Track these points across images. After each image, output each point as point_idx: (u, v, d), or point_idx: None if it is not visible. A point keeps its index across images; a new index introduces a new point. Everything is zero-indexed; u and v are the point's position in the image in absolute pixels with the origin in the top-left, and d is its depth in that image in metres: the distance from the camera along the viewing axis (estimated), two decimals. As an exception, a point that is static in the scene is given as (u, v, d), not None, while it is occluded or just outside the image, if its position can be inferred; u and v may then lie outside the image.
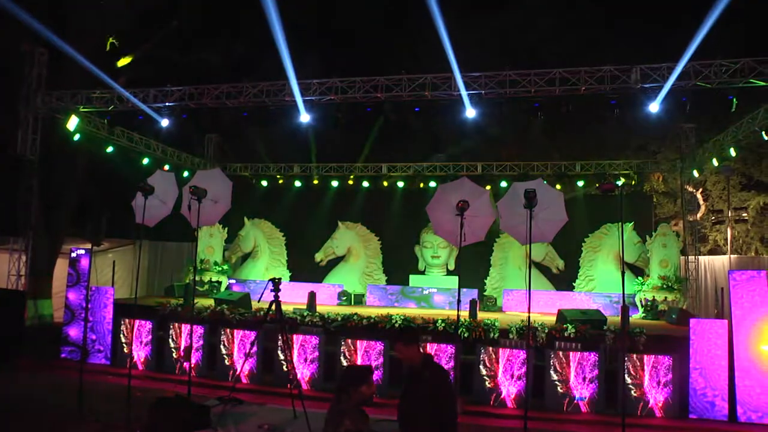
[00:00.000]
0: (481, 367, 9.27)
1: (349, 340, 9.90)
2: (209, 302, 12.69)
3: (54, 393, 9.21)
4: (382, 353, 9.57)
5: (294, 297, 15.03)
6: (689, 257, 16.56)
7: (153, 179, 8.69)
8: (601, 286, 16.10)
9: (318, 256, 18.22)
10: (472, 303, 12.03)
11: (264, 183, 19.09)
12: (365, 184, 18.52)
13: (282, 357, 9.97)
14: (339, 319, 11.06)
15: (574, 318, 10.51)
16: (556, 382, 9.02)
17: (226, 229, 17.80)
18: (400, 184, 18.29)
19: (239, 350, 10.33)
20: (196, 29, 19.15)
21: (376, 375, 9.29)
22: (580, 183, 17.19)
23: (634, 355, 8.97)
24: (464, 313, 11.40)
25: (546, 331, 10.05)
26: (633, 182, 17.52)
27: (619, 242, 15.45)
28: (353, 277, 17.77)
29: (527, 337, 9.00)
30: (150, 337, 11.01)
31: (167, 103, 13.41)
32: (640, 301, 14.66)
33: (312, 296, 12.70)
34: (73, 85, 13.90)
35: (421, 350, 5.37)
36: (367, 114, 13.11)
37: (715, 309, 15.40)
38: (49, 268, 15.36)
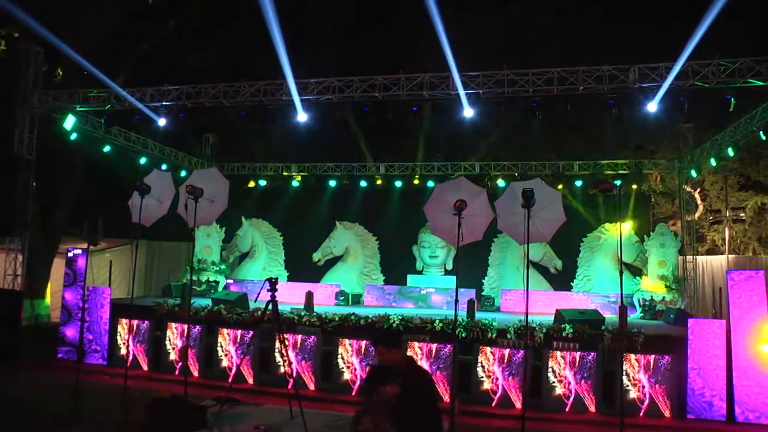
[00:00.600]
0: (478, 367, 9.26)
1: (346, 340, 9.88)
2: (206, 302, 12.66)
3: (51, 393, 9.18)
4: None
5: (292, 297, 14.98)
6: (687, 257, 16.55)
7: (150, 179, 8.67)
8: (599, 286, 16.08)
9: (316, 256, 18.18)
10: (470, 303, 12.00)
11: (262, 182, 19.05)
12: (363, 183, 18.47)
13: (279, 357, 9.95)
14: (336, 319, 11.03)
15: (572, 318, 10.50)
16: (554, 383, 9.01)
17: (224, 228, 17.76)
18: (398, 183, 18.26)
19: (236, 350, 10.30)
20: (193, 28, 19.08)
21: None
22: (578, 183, 17.17)
23: (632, 355, 8.96)
24: (462, 313, 11.39)
25: (544, 331, 10.04)
26: (634, 186, 17.49)
27: (617, 242, 15.44)
28: (351, 277, 17.74)
29: (525, 337, 8.98)
30: (147, 337, 10.98)
31: (164, 102, 13.37)
32: (638, 301, 14.64)
33: (309, 296, 12.67)
34: (70, 84, 13.86)
35: (404, 354, 5.23)
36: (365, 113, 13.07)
37: (713, 309, 15.41)
38: (46, 267, 15.33)
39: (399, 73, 12.28)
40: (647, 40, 18.68)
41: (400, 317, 10.87)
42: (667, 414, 8.68)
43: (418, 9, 11.80)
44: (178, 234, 17.15)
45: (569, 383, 8.95)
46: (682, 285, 15.38)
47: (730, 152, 13.84)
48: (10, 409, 8.36)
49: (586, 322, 10.33)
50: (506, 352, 9.20)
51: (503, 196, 8.28)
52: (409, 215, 17.39)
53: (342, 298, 15.67)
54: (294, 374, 9.64)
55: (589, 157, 17.69)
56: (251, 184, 19.16)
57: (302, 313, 11.38)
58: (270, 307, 7.38)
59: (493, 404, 9.08)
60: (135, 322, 10.96)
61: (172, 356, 10.78)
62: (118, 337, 11.22)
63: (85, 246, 12.32)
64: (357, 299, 15.86)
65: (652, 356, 8.86)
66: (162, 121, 13.78)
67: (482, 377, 9.21)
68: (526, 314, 7.46)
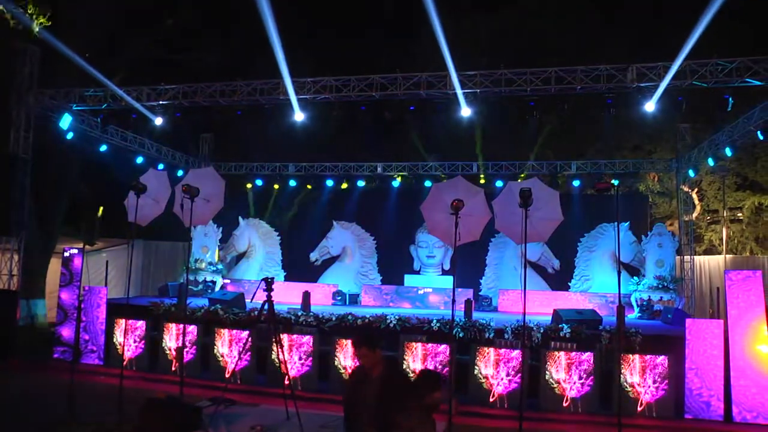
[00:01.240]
0: (476, 367, 9.22)
1: (343, 340, 9.84)
2: (203, 302, 12.62)
3: (46, 394, 9.14)
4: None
5: (289, 297, 14.96)
6: (685, 257, 16.55)
7: (146, 178, 8.64)
8: (596, 286, 16.09)
9: (313, 256, 18.17)
10: (468, 303, 11.98)
11: (259, 182, 19.00)
12: (360, 183, 18.44)
13: (275, 357, 9.91)
14: (333, 319, 11.00)
15: (570, 318, 10.48)
16: (552, 383, 8.98)
17: (221, 228, 17.72)
18: (396, 183, 18.23)
19: (233, 350, 10.26)
20: (190, 27, 19.03)
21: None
22: (576, 182, 17.16)
23: (630, 356, 8.94)
24: (459, 313, 11.37)
25: (541, 331, 10.02)
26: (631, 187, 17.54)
27: (614, 242, 15.44)
28: (348, 276, 17.72)
29: (523, 337, 8.96)
30: (143, 337, 10.93)
31: (161, 102, 13.33)
32: (636, 301, 14.64)
33: (306, 296, 12.63)
34: (66, 83, 13.81)
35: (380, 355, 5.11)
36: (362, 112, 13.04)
37: (710, 309, 15.41)
38: (42, 267, 15.27)
39: (396, 72, 12.26)
40: (645, 39, 18.70)
41: (397, 317, 10.85)
42: (664, 414, 8.65)
43: (417, 8, 11.77)
44: (175, 234, 17.13)
45: (567, 383, 8.92)
46: (680, 285, 15.38)
47: (728, 152, 13.83)
48: (4, 409, 8.31)
49: (583, 322, 10.32)
50: (504, 352, 9.17)
51: (500, 195, 8.26)
52: (407, 215, 17.37)
53: (339, 298, 15.64)
54: (290, 374, 9.62)
55: (586, 157, 17.69)
56: (248, 185, 19.12)
57: (299, 313, 11.34)
58: (266, 307, 7.33)
59: (491, 404, 9.04)
60: (131, 322, 10.91)
61: (169, 356, 10.73)
62: (115, 338, 11.16)
63: (81, 246, 12.26)
64: (354, 299, 15.85)
65: (650, 356, 8.84)
66: (159, 121, 13.74)
67: (480, 377, 9.18)
68: (524, 314, 7.43)
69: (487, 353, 9.21)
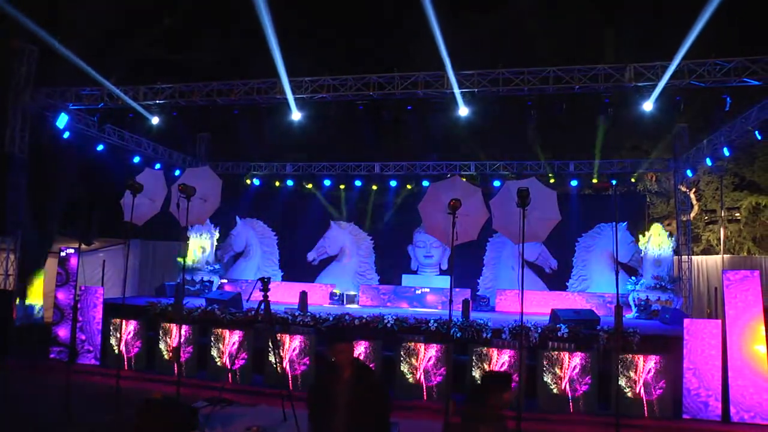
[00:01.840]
0: (473, 367, 9.20)
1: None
2: (200, 302, 12.58)
3: (43, 394, 9.10)
4: (374, 353, 9.49)
5: (286, 297, 14.92)
6: (682, 257, 16.54)
7: (142, 177, 8.61)
8: (594, 285, 16.08)
9: (310, 256, 18.13)
10: (465, 303, 11.96)
11: (256, 182, 18.95)
12: (357, 183, 18.40)
13: (272, 357, 9.87)
14: (331, 319, 10.98)
15: (568, 318, 10.47)
16: (549, 383, 8.96)
17: (218, 228, 17.67)
18: (393, 182, 18.20)
19: (229, 350, 10.22)
20: (187, 26, 19.00)
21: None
22: (574, 182, 17.13)
23: (628, 355, 8.92)
24: (457, 313, 11.35)
25: (539, 331, 10.01)
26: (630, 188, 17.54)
27: (612, 242, 15.44)
28: (345, 276, 17.68)
29: (520, 337, 8.92)
30: (140, 337, 10.89)
31: (157, 101, 13.29)
32: (634, 301, 14.63)
33: (303, 296, 12.60)
34: (63, 82, 13.76)
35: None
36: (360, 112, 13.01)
37: (708, 309, 15.41)
38: (38, 267, 15.21)
39: (393, 72, 12.23)
40: (643, 38, 18.69)
41: (394, 317, 10.83)
42: (662, 414, 8.63)
43: (414, 8, 11.75)
44: (172, 233, 17.07)
45: (564, 383, 8.90)
46: (678, 285, 15.37)
47: (726, 152, 13.82)
48: (0, 410, 8.27)
49: (581, 322, 10.30)
50: (501, 352, 9.14)
51: (498, 195, 8.24)
52: (404, 214, 17.36)
53: (336, 297, 15.61)
54: (287, 375, 9.59)
55: (584, 157, 17.66)
56: (247, 181, 19.06)
57: (296, 313, 11.31)
58: (262, 307, 7.31)
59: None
60: (128, 322, 10.86)
61: (165, 356, 10.68)
62: (111, 338, 11.12)
63: (77, 245, 12.20)
64: (352, 299, 15.80)
65: (648, 356, 8.82)
66: (155, 120, 13.70)
67: (477, 377, 9.15)
68: (522, 314, 7.41)
69: (485, 353, 9.18)
